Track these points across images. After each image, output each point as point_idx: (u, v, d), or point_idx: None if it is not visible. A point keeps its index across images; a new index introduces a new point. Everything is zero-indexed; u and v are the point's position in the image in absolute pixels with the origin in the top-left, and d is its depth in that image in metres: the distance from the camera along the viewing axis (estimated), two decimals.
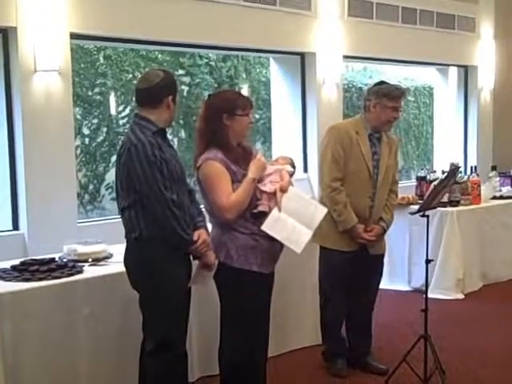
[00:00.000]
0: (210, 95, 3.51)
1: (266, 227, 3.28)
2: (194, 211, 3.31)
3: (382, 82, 4.23)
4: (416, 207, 4.50)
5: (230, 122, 3.35)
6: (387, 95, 4.02)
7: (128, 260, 3.26)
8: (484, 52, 9.06)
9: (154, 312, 3.19)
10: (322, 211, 3.48)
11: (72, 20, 5.17)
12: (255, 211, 3.31)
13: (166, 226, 3.09)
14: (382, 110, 4.02)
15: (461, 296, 5.95)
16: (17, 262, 3.66)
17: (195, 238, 3.17)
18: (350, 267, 4.07)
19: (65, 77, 5.19)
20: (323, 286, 4.25)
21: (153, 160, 3.06)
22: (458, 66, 9.13)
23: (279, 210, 3.32)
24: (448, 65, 9.08)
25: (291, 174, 3.51)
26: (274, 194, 3.33)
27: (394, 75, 9.64)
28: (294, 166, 3.61)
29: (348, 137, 4.03)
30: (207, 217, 3.43)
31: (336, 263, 4.09)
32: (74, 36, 5.26)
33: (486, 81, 9.19)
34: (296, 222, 3.34)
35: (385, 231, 4.16)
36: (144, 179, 3.06)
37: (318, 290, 4.30)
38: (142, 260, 3.18)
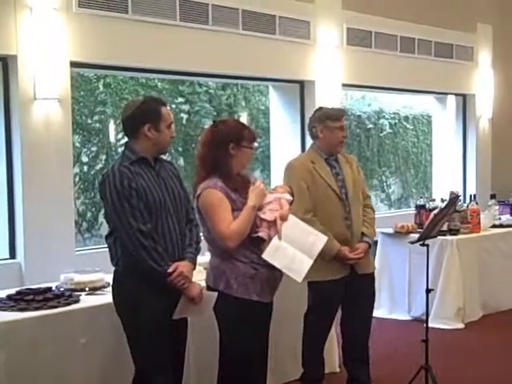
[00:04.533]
0: (215, 121, 3.50)
1: (267, 256, 3.26)
2: (185, 241, 3.26)
3: (320, 108, 4.30)
4: (415, 236, 4.49)
5: (235, 152, 3.34)
6: (330, 117, 4.10)
7: (112, 289, 3.27)
8: (482, 80, 9.12)
9: (130, 342, 3.20)
10: (322, 239, 3.46)
11: (72, 48, 5.20)
12: (254, 235, 3.28)
13: (135, 257, 3.09)
14: (329, 133, 4.08)
15: (461, 325, 5.89)
16: (12, 291, 3.63)
17: (171, 269, 3.11)
18: (341, 294, 4.06)
19: (64, 105, 5.20)
20: (311, 318, 4.18)
21: (120, 190, 3.07)
22: (457, 94, 9.18)
23: (279, 238, 3.30)
24: (446, 93, 9.13)
25: (290, 203, 3.50)
26: (274, 222, 3.31)
27: (393, 103, 9.69)
28: (292, 195, 3.59)
29: (305, 169, 4.07)
30: (207, 245, 3.40)
31: (328, 293, 4.05)
32: (74, 64, 5.28)
33: (485, 109, 9.23)
34: (296, 250, 3.32)
35: (370, 246, 4.14)
36: (113, 209, 3.10)
37: (304, 318, 4.22)
38: (118, 289, 3.21)
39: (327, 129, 4.07)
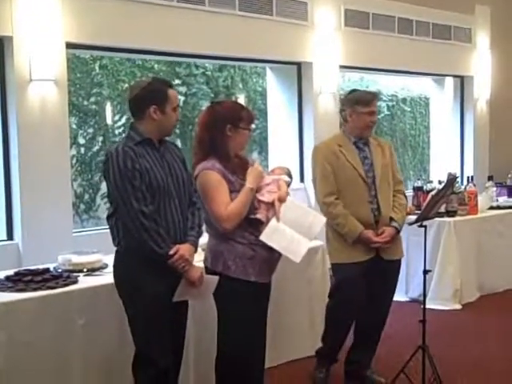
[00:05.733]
0: (213, 102, 3.48)
1: (265, 237, 3.26)
2: (187, 224, 3.26)
3: (353, 91, 4.25)
4: (413, 217, 4.47)
5: (232, 134, 3.31)
6: (359, 101, 4.03)
7: (113, 269, 3.27)
8: (480, 62, 9.09)
9: (131, 323, 3.20)
10: (320, 220, 3.46)
11: (68, 29, 5.16)
12: (252, 217, 3.28)
13: (136, 238, 3.08)
14: (358, 117, 4.02)
15: (458, 306, 5.93)
16: (11, 272, 3.63)
17: (172, 252, 3.10)
18: (364, 279, 3.99)
19: (61, 86, 5.17)
20: (333, 300, 4.14)
21: (123, 170, 3.04)
22: (454, 76, 9.15)
23: (277, 219, 3.29)
24: (444, 75, 9.11)
25: (288, 184, 3.49)
26: (272, 204, 3.31)
27: (391, 85, 9.66)
28: (290, 176, 3.59)
29: (331, 151, 4.03)
30: (205, 227, 3.39)
31: (351, 275, 3.97)
32: (69, 46, 5.25)
33: (482, 91, 9.21)
34: (294, 231, 3.31)
35: (398, 231, 4.06)
36: (116, 189, 3.08)
37: (329, 298, 4.20)
38: (119, 270, 3.21)
39: (356, 113, 4.01)
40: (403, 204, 4.15)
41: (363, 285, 4.01)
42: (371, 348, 4.25)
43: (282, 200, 3.33)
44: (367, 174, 4.01)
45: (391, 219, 4.04)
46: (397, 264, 4.16)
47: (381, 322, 4.22)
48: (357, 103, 4.03)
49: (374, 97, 4.12)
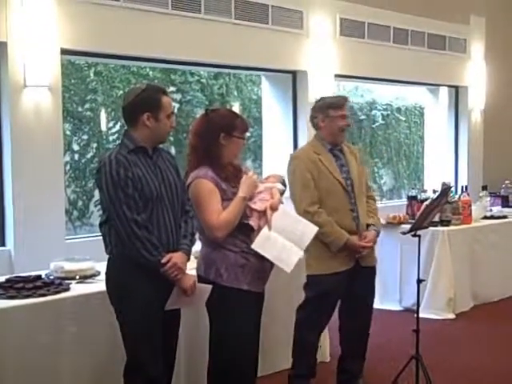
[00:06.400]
0: (207, 110, 3.46)
1: (257, 246, 3.24)
2: (180, 232, 3.24)
3: (322, 98, 4.21)
4: (407, 227, 4.48)
5: (225, 142, 3.30)
6: (331, 106, 4.01)
7: (105, 277, 3.25)
8: (475, 73, 9.12)
9: (122, 330, 3.18)
10: (312, 230, 3.44)
11: (63, 35, 5.16)
12: (244, 221, 3.26)
13: (128, 246, 3.06)
14: (331, 122, 4.00)
15: (452, 316, 5.91)
16: (2, 279, 3.60)
17: (164, 260, 3.09)
18: (343, 288, 3.99)
19: (55, 92, 5.16)
20: (308, 310, 4.07)
21: (116, 179, 3.03)
22: (449, 86, 9.18)
23: (269, 228, 3.28)
24: (439, 85, 9.13)
25: (282, 192, 3.48)
26: (264, 212, 3.30)
27: (385, 95, 9.69)
28: (284, 184, 3.57)
29: (311, 160, 3.99)
30: (197, 235, 3.38)
31: (330, 286, 3.95)
32: (64, 52, 5.24)
33: (477, 101, 9.24)
34: (286, 240, 3.30)
35: (378, 234, 4.07)
36: (108, 198, 3.06)
37: (299, 310, 4.13)
38: (112, 277, 3.19)
39: (328, 118, 3.98)
40: (375, 209, 4.18)
41: (340, 294, 4.03)
42: (360, 354, 4.21)
43: (274, 208, 3.31)
44: (346, 182, 4.00)
45: (368, 225, 4.04)
46: (373, 270, 4.16)
47: (366, 328, 4.19)
48: (329, 107, 4.01)
49: (345, 100, 4.12)
